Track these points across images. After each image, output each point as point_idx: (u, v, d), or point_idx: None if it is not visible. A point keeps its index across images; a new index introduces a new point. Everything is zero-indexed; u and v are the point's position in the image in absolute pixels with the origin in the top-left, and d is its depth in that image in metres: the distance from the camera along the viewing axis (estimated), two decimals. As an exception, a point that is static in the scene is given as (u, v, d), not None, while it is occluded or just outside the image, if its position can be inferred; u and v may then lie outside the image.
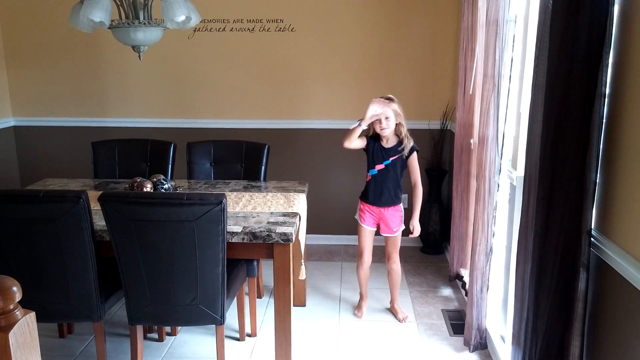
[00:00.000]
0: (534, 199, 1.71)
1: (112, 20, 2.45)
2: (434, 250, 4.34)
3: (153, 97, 4.37)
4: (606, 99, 1.60)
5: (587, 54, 1.51)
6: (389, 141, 3.10)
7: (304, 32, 4.17)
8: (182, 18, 2.38)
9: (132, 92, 4.36)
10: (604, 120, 1.61)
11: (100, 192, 2.32)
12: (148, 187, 2.84)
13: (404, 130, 3.08)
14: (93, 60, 4.32)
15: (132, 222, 2.30)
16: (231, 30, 4.19)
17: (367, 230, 3.21)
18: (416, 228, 3.19)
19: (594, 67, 1.52)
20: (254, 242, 2.47)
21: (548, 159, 1.63)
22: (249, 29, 4.18)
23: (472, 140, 3.30)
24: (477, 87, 3.22)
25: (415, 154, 3.10)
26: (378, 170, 3.10)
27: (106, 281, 2.58)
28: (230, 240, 2.45)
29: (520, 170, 2.47)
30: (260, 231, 2.46)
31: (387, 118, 2.99)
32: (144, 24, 2.42)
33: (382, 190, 3.12)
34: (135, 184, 2.86)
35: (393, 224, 3.17)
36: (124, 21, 2.44)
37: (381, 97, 3.00)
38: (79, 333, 3.13)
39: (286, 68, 4.24)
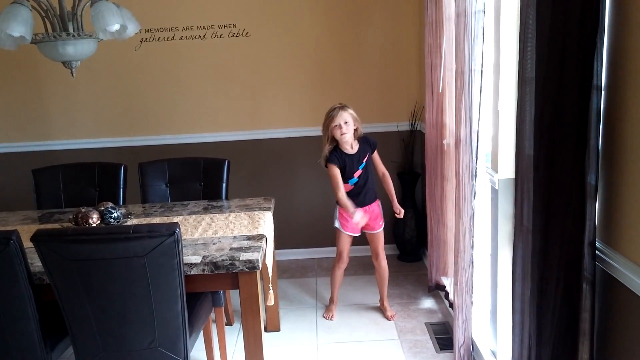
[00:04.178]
0: (528, 211, 1.50)
1: (36, 34, 2.14)
2: (412, 257, 4.13)
3: (100, 116, 4.04)
4: (602, 92, 1.40)
5: (581, 43, 1.31)
6: (353, 146, 3.10)
7: (258, 36, 3.92)
8: (115, 27, 2.09)
9: (76, 112, 4.02)
10: (602, 116, 1.42)
11: (35, 230, 2.02)
12: (94, 218, 2.54)
13: (360, 131, 3.12)
14: (29, 79, 3.97)
15: (73, 263, 2.00)
16: (181, 38, 3.91)
17: (349, 235, 3.21)
18: (400, 209, 3.23)
19: (588, 57, 1.32)
20: (216, 272, 2.20)
21: (543, 163, 1.42)
22: (200, 37, 3.91)
23: (445, 142, 3.10)
24: (446, 84, 3.03)
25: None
26: (358, 177, 3.10)
27: (51, 328, 2.28)
28: (188, 273, 2.18)
29: (503, 173, 2.26)
30: (222, 260, 2.20)
31: (346, 123, 3.01)
32: (74, 36, 2.12)
33: (366, 191, 3.13)
34: (80, 215, 2.55)
35: (378, 219, 3.21)
36: (50, 34, 2.14)
37: (335, 106, 3.04)
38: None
39: (242, 76, 3.98)
